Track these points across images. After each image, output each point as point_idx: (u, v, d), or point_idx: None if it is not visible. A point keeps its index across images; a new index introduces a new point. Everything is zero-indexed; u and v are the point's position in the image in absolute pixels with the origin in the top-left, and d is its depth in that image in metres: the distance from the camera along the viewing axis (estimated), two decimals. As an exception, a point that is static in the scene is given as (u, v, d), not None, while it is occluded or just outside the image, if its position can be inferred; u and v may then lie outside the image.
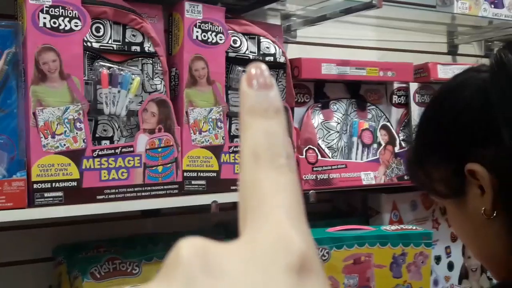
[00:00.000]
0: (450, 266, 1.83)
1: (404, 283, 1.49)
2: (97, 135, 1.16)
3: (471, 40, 2.10)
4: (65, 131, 1.10)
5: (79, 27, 1.11)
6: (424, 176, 0.77)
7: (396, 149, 1.59)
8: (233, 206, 1.58)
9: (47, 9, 1.07)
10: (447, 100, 0.75)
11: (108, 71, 1.15)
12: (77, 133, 1.11)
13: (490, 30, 2.02)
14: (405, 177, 1.60)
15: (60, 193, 1.10)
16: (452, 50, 2.07)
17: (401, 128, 1.66)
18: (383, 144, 1.57)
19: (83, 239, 1.41)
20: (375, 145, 1.57)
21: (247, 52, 1.33)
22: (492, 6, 1.75)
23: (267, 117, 0.29)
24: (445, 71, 1.67)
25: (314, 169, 1.44)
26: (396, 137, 1.61)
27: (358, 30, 1.83)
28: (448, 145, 0.73)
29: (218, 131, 1.29)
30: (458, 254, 1.83)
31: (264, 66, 0.29)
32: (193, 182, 1.27)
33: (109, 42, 1.16)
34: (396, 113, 1.66)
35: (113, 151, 1.16)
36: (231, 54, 1.31)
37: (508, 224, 0.69)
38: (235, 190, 1.32)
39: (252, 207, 0.28)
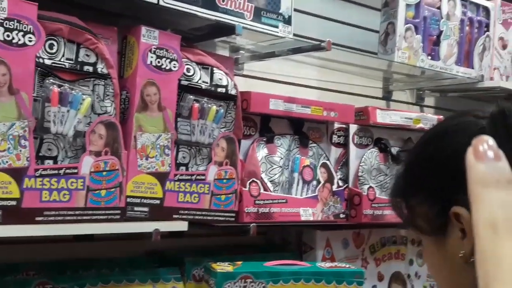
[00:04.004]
0: (376, 306, 1.87)
1: (335, 321, 1.50)
2: (40, 154, 1.11)
3: (405, 87, 2.19)
4: (9, 147, 1.04)
5: (32, 42, 1.07)
6: (406, 209, 0.77)
7: (334, 187, 1.62)
8: (172, 234, 1.56)
9: (2, 21, 1.03)
10: (441, 141, 0.74)
11: (59, 89, 1.11)
12: (21, 150, 1.06)
13: (422, 80, 2.12)
14: (341, 215, 1.64)
15: (-2, 212, 1.04)
16: (387, 96, 2.15)
17: (339, 167, 1.69)
18: (322, 182, 1.60)
19: (11, 260, 1.33)
20: (314, 182, 1.59)
21: (199, 82, 1.33)
22: (429, 57, 1.84)
23: (499, 188, 0.28)
24: (383, 116, 1.73)
25: (256, 202, 1.44)
26: (335, 175, 1.64)
27: (302, 69, 1.87)
28: (437, 185, 0.72)
29: (165, 158, 1.27)
30: (383, 294, 1.88)
31: (491, 140, 0.29)
32: (135, 208, 1.24)
33: (62, 60, 1.13)
34: (335, 152, 1.70)
35: (56, 171, 1.11)
36: (184, 82, 1.30)
37: None
38: (177, 219, 1.30)
39: (496, 278, 0.27)
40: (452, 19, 1.89)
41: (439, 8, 1.86)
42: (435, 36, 1.86)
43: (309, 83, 1.92)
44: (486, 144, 0.29)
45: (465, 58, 1.95)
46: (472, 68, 1.96)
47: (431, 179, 0.73)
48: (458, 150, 0.68)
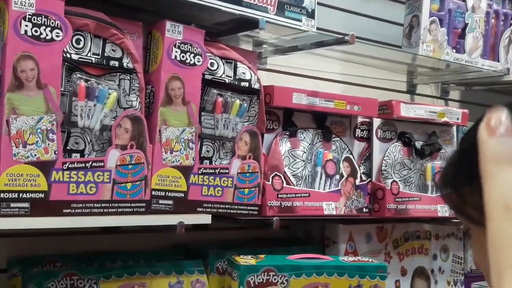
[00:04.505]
0: (399, 301, 1.87)
1: (358, 314, 1.51)
2: (68, 148, 1.13)
3: (429, 81, 2.17)
4: (37, 141, 1.06)
5: (60, 38, 1.09)
6: (457, 198, 0.75)
7: (357, 182, 1.62)
8: (195, 227, 1.57)
9: (30, 17, 1.05)
10: None
11: (85, 84, 1.13)
12: (49, 144, 1.08)
13: (447, 74, 2.10)
14: (364, 210, 1.63)
15: (26, 204, 1.06)
16: (411, 89, 2.14)
17: (362, 161, 1.69)
18: (345, 176, 1.60)
19: (38, 252, 1.36)
20: (337, 176, 1.59)
21: (223, 76, 1.34)
22: (454, 50, 1.82)
23: None
24: (407, 110, 1.72)
25: (279, 196, 1.45)
26: (358, 169, 1.64)
27: (325, 63, 1.87)
28: None
29: (189, 152, 1.28)
30: (407, 288, 1.88)
31: (505, 114, 0.28)
32: (160, 201, 1.25)
33: (89, 55, 1.15)
34: (358, 147, 1.70)
35: (83, 164, 1.13)
36: (208, 77, 1.31)
37: None
38: (201, 212, 1.32)
39: (509, 264, 0.26)
40: (477, 12, 1.87)
41: (464, 0, 1.84)
42: (460, 29, 1.84)
43: (333, 77, 1.92)
44: (499, 119, 0.28)
45: (491, 51, 1.93)
46: (498, 61, 1.94)
47: None
48: None
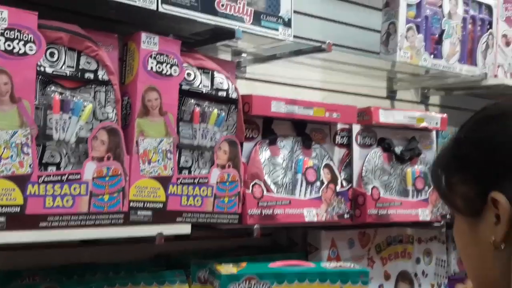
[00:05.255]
0: (383, 305, 1.87)
1: (340, 320, 1.50)
2: (44, 161, 1.12)
3: (409, 87, 2.19)
4: (12, 155, 1.06)
5: (33, 51, 1.08)
6: (447, 187, 0.77)
7: (338, 188, 1.62)
8: (174, 238, 1.56)
9: (2, 31, 1.04)
10: (496, 123, 0.73)
11: (60, 96, 1.13)
12: (23, 157, 1.07)
13: (427, 79, 2.12)
14: (345, 216, 1.64)
15: (2, 219, 1.05)
16: (391, 95, 2.15)
17: (342, 168, 1.70)
18: (326, 182, 1.60)
19: (17, 266, 1.35)
20: (318, 183, 1.59)
21: (200, 86, 1.34)
22: (432, 56, 1.83)
23: None
24: (386, 116, 1.73)
25: (260, 204, 1.45)
26: (338, 176, 1.64)
27: (304, 71, 1.87)
28: (482, 167, 0.72)
29: (167, 162, 1.28)
30: (390, 293, 1.88)
31: None
32: (139, 212, 1.24)
33: (63, 68, 1.14)
34: (338, 153, 1.70)
35: (59, 177, 1.12)
36: (185, 87, 1.31)
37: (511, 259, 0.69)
38: (180, 222, 1.31)
39: None
40: (454, 18, 1.88)
41: (440, 7, 1.85)
42: (437, 35, 1.85)
43: (313, 84, 1.92)
44: None
45: (468, 56, 1.95)
46: (476, 66, 1.95)
47: (478, 160, 0.73)
48: (504, 138, 0.70)
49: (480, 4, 1.98)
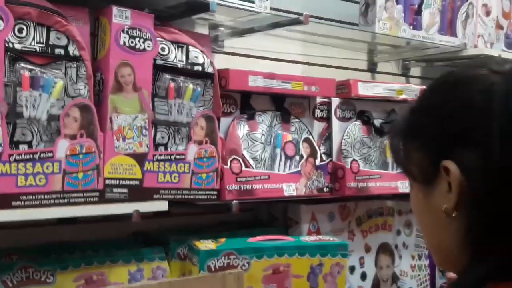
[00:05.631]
0: (363, 276, 1.88)
1: (320, 293, 1.52)
2: (15, 139, 1.11)
3: (390, 59, 2.17)
4: (-19, 134, 1.04)
5: (1, 27, 1.06)
6: (403, 153, 0.77)
7: (317, 162, 1.62)
8: (153, 215, 1.56)
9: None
10: (449, 91, 0.73)
11: (30, 73, 1.11)
12: (-7, 136, 1.06)
13: (407, 50, 2.10)
14: (324, 189, 1.64)
15: (-28, 199, 1.04)
16: (372, 68, 2.14)
17: (322, 142, 1.69)
18: (305, 157, 1.60)
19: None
20: (297, 157, 1.59)
21: (175, 61, 1.32)
22: (411, 27, 1.82)
23: None
24: (366, 88, 1.72)
25: (238, 179, 1.44)
26: (318, 150, 1.64)
27: (284, 44, 1.85)
28: (436, 135, 0.72)
29: (142, 139, 1.26)
30: (371, 265, 1.89)
31: None
32: (114, 190, 1.24)
33: (32, 43, 1.12)
34: (318, 127, 1.69)
35: (31, 156, 1.11)
36: (159, 62, 1.29)
37: (463, 227, 0.70)
38: (157, 199, 1.31)
39: None
40: (433, -12, 1.87)
41: (420, -23, 1.83)
42: (416, 6, 1.84)
43: (293, 58, 1.90)
44: None
45: (448, 27, 1.93)
46: (456, 36, 1.95)
47: (432, 127, 0.73)
48: (462, 103, 0.70)
49: (460, -27, 1.96)
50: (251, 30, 1.61)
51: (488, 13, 2.04)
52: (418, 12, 1.84)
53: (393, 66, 2.23)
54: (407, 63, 2.23)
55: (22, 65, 1.10)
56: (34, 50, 1.12)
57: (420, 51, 2.06)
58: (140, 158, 1.26)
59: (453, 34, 1.95)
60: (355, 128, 1.73)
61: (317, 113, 1.69)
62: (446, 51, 1.98)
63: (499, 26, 2.09)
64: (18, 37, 1.10)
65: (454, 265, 0.74)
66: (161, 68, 1.30)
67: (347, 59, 2.03)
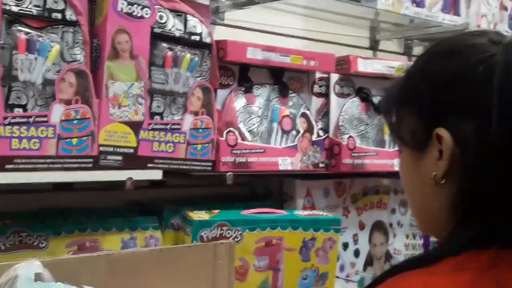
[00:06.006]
0: (357, 253, 1.90)
1: (311, 267, 1.53)
2: (9, 102, 1.10)
3: (392, 37, 2.16)
4: (-25, 95, 1.04)
5: (-6, -12, 1.05)
6: (395, 117, 0.77)
7: (314, 137, 1.62)
8: (149, 185, 1.56)
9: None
10: (447, 59, 0.72)
11: (26, 36, 1.10)
12: (-12, 98, 1.06)
13: (410, 29, 2.09)
14: (320, 165, 1.64)
15: (-35, 160, 1.04)
16: (374, 45, 2.13)
17: (320, 117, 1.69)
18: (302, 132, 1.60)
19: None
20: (294, 132, 1.59)
21: (173, 29, 1.31)
22: (414, 5, 1.81)
23: None
24: (365, 65, 1.72)
25: (233, 151, 1.45)
26: (315, 125, 1.64)
27: (286, 18, 1.84)
28: (431, 101, 0.72)
29: (138, 107, 1.26)
30: (365, 242, 1.90)
31: None
32: (109, 157, 1.24)
33: (29, 6, 1.11)
34: (316, 102, 1.69)
35: (26, 119, 1.11)
36: (157, 30, 1.29)
37: (451, 194, 0.71)
38: (152, 168, 1.31)
39: None
40: (438, -34, 1.85)
41: (424, -46, 1.82)
42: (420, -16, 1.82)
43: (294, 33, 1.89)
44: None
45: (452, 6, 1.92)
46: (459, 15, 1.93)
47: (427, 94, 0.73)
48: (461, 73, 0.70)
49: (466, -48, 1.94)
50: (252, 2, 1.60)
51: (492, -7, 2.02)
52: (422, -11, 1.83)
53: (395, 45, 2.22)
54: (410, 42, 2.22)
55: (19, 27, 1.10)
56: (31, 13, 1.11)
57: (422, 30, 2.05)
58: (135, 126, 1.26)
59: (457, 13, 1.93)
60: (354, 104, 1.72)
61: (316, 88, 1.69)
62: (449, 30, 1.96)
63: (503, 7, 2.07)
64: (15, -1, 1.10)
65: (437, 230, 0.75)
66: (158, 36, 1.29)
67: (349, 36, 2.02)
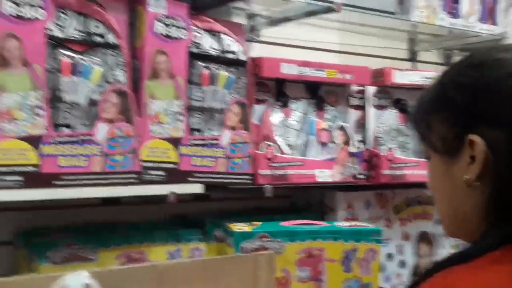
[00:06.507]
0: (402, 264, 1.88)
1: (353, 277, 1.53)
2: (57, 122, 1.17)
3: (431, 48, 2.16)
4: (25, 117, 1.11)
5: (42, 16, 1.12)
6: (425, 125, 0.80)
7: (352, 149, 1.64)
8: (192, 199, 1.60)
9: (11, -5, 1.09)
10: (478, 71, 0.76)
11: (70, 60, 1.17)
12: (37, 119, 1.12)
13: (449, 39, 2.08)
14: (359, 176, 1.65)
15: (20, 178, 1.10)
16: (412, 57, 2.13)
17: (357, 129, 1.70)
18: (339, 144, 1.62)
19: (41, 224, 1.41)
20: (331, 145, 1.61)
21: (209, 48, 1.36)
22: (450, 16, 1.80)
23: None
24: (402, 76, 1.72)
25: (271, 164, 1.48)
26: (352, 137, 1.65)
27: (321, 33, 1.86)
28: (462, 110, 0.75)
29: (177, 124, 1.31)
30: (410, 253, 1.89)
31: None
32: (151, 172, 1.28)
33: (72, 31, 1.18)
34: (353, 115, 1.70)
35: (72, 138, 1.17)
36: (193, 50, 1.34)
37: (483, 196, 0.74)
38: (193, 182, 1.35)
39: None
40: (473, -25, 1.84)
41: (459, -36, 1.82)
42: (455, -7, 1.82)
43: (330, 47, 1.92)
44: None
45: (489, 15, 1.91)
46: (496, 25, 1.91)
47: (460, 103, 0.76)
48: (491, 85, 0.74)
49: (502, -40, 1.93)
50: (286, 19, 1.63)
51: (530, 0, 1.99)
52: (457, 0, 1.82)
53: (435, 56, 2.21)
54: (449, 52, 2.20)
55: (63, 52, 1.17)
56: (74, 37, 1.18)
57: (461, 40, 2.04)
58: (175, 142, 1.31)
59: (494, 22, 1.92)
60: (391, 116, 1.73)
61: (353, 101, 1.70)
62: (487, 39, 1.95)
63: (543, 13, 2.03)
64: (59, 25, 1.16)
65: (468, 232, 0.78)
66: (195, 56, 1.34)
67: (387, 48, 2.03)
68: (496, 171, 0.72)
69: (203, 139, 1.36)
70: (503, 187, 0.72)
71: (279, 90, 1.56)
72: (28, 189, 1.12)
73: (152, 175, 1.29)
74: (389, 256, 1.83)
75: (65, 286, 1.03)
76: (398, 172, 1.69)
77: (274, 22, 1.66)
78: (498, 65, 0.75)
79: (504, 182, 0.72)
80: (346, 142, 1.63)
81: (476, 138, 0.73)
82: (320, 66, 1.57)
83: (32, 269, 1.27)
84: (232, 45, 1.40)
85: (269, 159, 1.48)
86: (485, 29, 1.89)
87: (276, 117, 1.54)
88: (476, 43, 2.02)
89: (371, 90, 1.71)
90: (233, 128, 1.41)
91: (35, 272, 1.26)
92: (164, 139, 1.30)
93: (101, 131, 1.21)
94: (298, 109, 1.59)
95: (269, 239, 1.44)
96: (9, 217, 1.39)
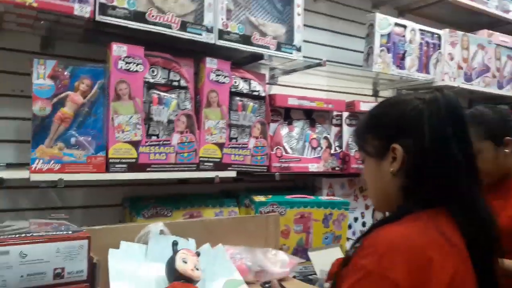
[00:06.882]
0: (364, 224, 1.87)
1: (330, 231, 1.54)
2: (149, 133, 1.22)
3: (387, 88, 2.13)
4: (130, 129, 1.17)
5: (141, 69, 1.18)
6: (363, 139, 0.83)
7: (332, 151, 1.65)
8: (232, 180, 1.61)
9: (124, 57, 1.15)
10: (391, 107, 0.80)
11: (157, 96, 1.22)
12: (137, 131, 1.18)
13: (399, 83, 2.05)
14: (336, 168, 1.66)
15: (124, 165, 1.17)
16: (375, 94, 2.11)
17: (336, 139, 1.71)
18: (324, 148, 1.63)
19: (139, 195, 1.45)
20: (319, 148, 1.62)
21: (242, 89, 1.40)
22: (398, 68, 1.80)
23: None
24: (365, 106, 1.72)
25: (280, 160, 1.50)
26: (333, 144, 1.66)
27: (314, 79, 1.86)
28: (387, 130, 0.78)
29: (222, 134, 1.35)
30: (369, 217, 1.88)
31: None
32: (205, 163, 1.33)
33: (159, 79, 1.23)
34: (334, 130, 1.71)
35: (158, 143, 1.23)
36: (233, 89, 1.37)
37: (401, 181, 0.76)
38: (230, 170, 1.37)
39: None
40: (413, 43, 1.83)
41: (404, 36, 1.80)
42: (401, 54, 1.81)
43: (320, 87, 1.91)
44: None
45: (424, 68, 1.89)
46: (429, 73, 1.89)
47: (384, 126, 0.79)
48: (404, 115, 0.77)
49: (433, 33, 1.91)
50: (294, 70, 1.66)
51: (451, 59, 1.96)
52: (403, 58, 1.81)
53: (390, 93, 2.19)
54: (400, 91, 2.17)
55: (153, 91, 1.22)
56: (160, 82, 1.24)
57: (406, 83, 2.01)
58: (220, 146, 1.35)
59: (427, 72, 1.90)
60: (358, 131, 1.72)
61: (334, 121, 1.71)
62: (423, 83, 1.93)
63: (460, 67, 2.00)
64: (151, 75, 1.22)
65: (391, 206, 0.79)
66: (233, 93, 1.38)
67: (357, 88, 2.02)
68: (408, 166, 0.74)
69: (237, 144, 1.40)
70: (412, 175, 0.74)
71: (286, 114, 1.59)
72: (130, 172, 1.18)
73: (206, 165, 1.33)
74: (355, 219, 1.83)
75: (148, 231, 1.08)
76: (361, 166, 1.68)
77: (286, 72, 1.68)
78: (404, 103, 0.77)
79: (413, 172, 0.74)
80: (329, 147, 1.65)
81: (396, 146, 0.75)
82: (313, 99, 1.59)
83: (132, 221, 1.32)
84: (257, 87, 1.43)
85: (278, 156, 1.50)
86: (422, 76, 1.87)
87: (284, 131, 1.56)
88: (416, 85, 1.99)
89: (345, 114, 1.72)
90: (256, 137, 1.44)
91: (134, 223, 1.31)
92: (214, 144, 1.34)
93: (175, 138, 1.25)
94: (298, 126, 1.61)
95: (277, 206, 1.47)
96: (119, 190, 1.42)
